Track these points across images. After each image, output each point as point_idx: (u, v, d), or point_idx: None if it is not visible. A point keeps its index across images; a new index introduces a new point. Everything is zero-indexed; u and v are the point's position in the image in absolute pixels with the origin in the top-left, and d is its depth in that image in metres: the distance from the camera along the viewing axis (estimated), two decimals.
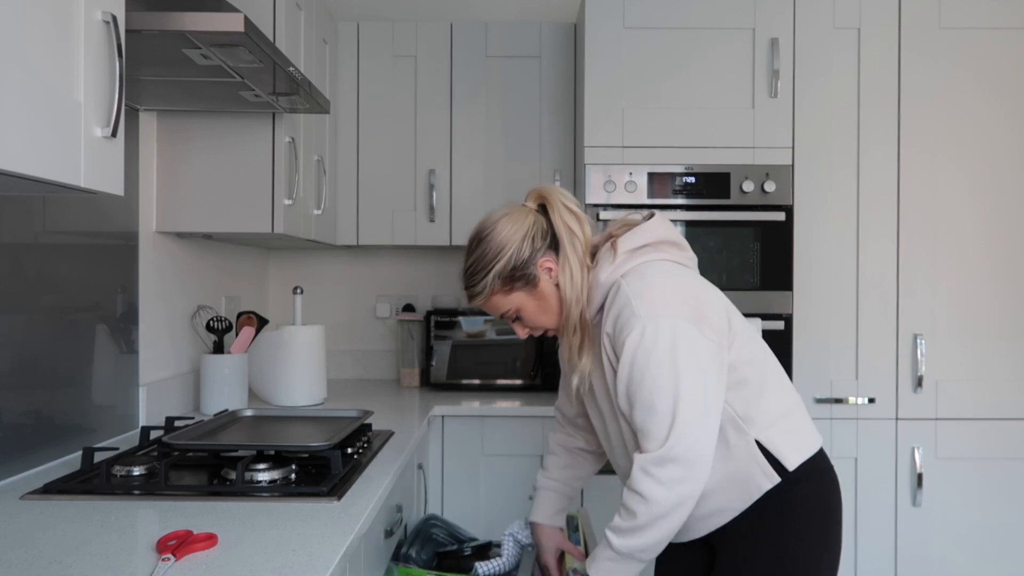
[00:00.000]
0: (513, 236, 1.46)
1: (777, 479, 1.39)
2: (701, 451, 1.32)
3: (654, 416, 1.32)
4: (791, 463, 1.40)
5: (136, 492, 1.45)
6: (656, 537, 1.34)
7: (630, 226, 1.49)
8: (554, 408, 1.77)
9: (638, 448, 1.37)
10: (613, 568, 1.37)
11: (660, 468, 1.31)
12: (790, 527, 1.41)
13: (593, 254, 1.49)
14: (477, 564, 1.73)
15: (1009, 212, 2.51)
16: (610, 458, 1.59)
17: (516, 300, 1.49)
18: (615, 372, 1.40)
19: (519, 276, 1.47)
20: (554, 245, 1.48)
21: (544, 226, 1.48)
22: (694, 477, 1.32)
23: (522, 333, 1.56)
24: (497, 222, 1.49)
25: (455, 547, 2.04)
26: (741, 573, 1.44)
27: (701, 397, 1.33)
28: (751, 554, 1.43)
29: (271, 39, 2.14)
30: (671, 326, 1.34)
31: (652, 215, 1.51)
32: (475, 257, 1.49)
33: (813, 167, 2.50)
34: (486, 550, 1.94)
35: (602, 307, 1.45)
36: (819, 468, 1.45)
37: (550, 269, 1.47)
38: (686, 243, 1.52)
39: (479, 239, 1.50)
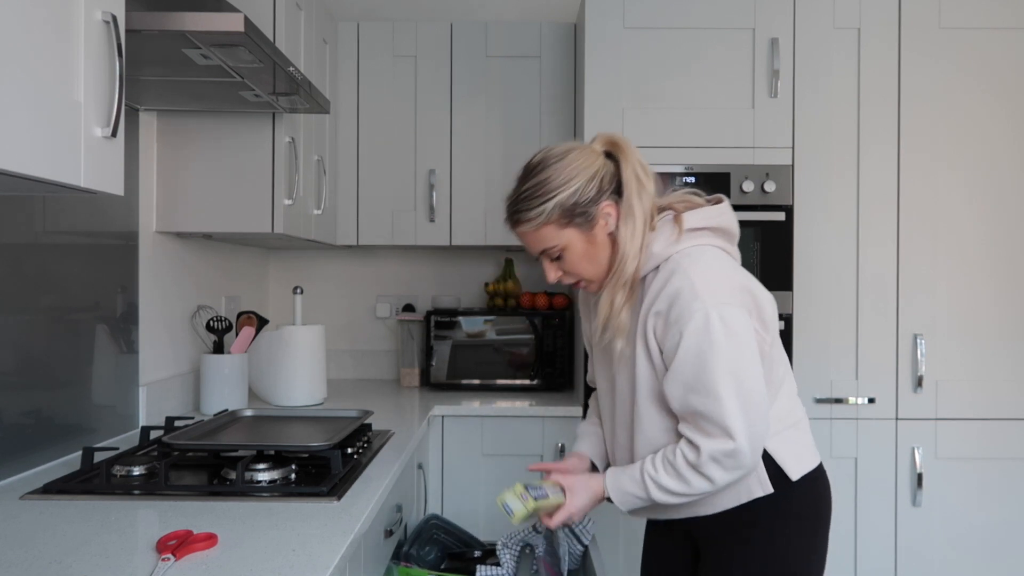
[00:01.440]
0: (583, 170, 1.39)
1: (770, 489, 1.40)
2: (762, 439, 1.34)
3: (719, 404, 1.30)
4: (793, 474, 1.41)
5: (136, 492, 1.45)
6: (687, 502, 1.39)
7: (691, 204, 1.45)
8: (588, 381, 1.75)
9: (696, 429, 1.34)
10: (629, 500, 1.41)
11: (731, 459, 1.32)
12: (781, 529, 1.42)
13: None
14: (479, 567, 1.73)
15: (1009, 212, 2.51)
16: (608, 432, 1.57)
17: (567, 238, 1.41)
18: (647, 347, 1.38)
19: (580, 213, 1.39)
20: (617, 195, 1.41)
21: (612, 172, 1.42)
22: (751, 464, 1.34)
23: (554, 275, 1.48)
24: (567, 153, 1.42)
25: (463, 549, 2.05)
26: (732, 571, 1.44)
27: (760, 387, 1.34)
28: (741, 552, 1.43)
29: (271, 39, 2.14)
30: (734, 315, 1.33)
31: (720, 199, 1.48)
32: (536, 182, 1.41)
33: (813, 167, 2.50)
34: (495, 554, 1.94)
35: (644, 277, 1.42)
36: (814, 474, 1.46)
37: (609, 215, 1.41)
38: (738, 235, 1.49)
39: (544, 165, 1.41)
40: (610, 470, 1.46)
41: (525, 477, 2.49)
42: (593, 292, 1.51)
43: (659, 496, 1.37)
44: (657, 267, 1.40)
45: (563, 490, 1.49)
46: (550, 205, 1.39)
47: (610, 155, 1.43)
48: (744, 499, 1.41)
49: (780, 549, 1.41)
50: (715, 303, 1.32)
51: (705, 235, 1.42)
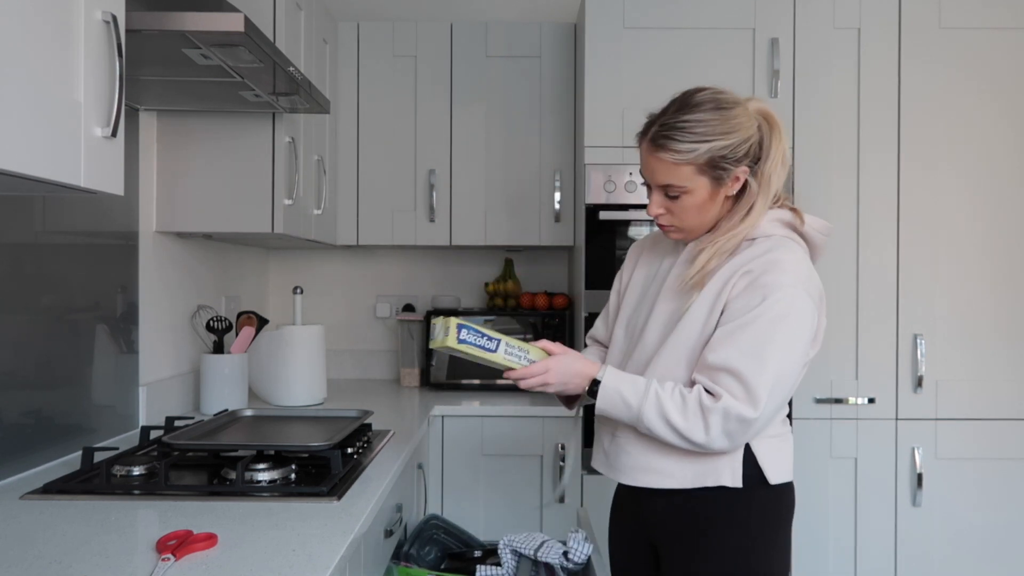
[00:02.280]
0: (744, 129, 1.38)
1: (739, 484, 1.41)
2: (767, 423, 1.37)
3: (762, 373, 1.32)
4: (771, 478, 1.42)
5: (136, 492, 1.45)
6: (665, 439, 1.37)
7: (798, 209, 1.47)
8: (587, 338, 1.75)
9: (721, 386, 1.34)
10: (615, 401, 1.39)
11: (740, 425, 1.33)
12: (741, 527, 1.42)
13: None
14: (479, 567, 1.73)
15: (1009, 212, 2.51)
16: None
17: (697, 184, 1.39)
18: (712, 304, 1.39)
19: (721, 167, 1.38)
20: (755, 164, 1.41)
21: (759, 141, 1.41)
22: (741, 442, 1.37)
23: (657, 210, 1.44)
24: (735, 104, 1.40)
25: (463, 549, 2.05)
26: (695, 569, 1.44)
27: (792, 384, 1.38)
28: (703, 549, 1.43)
29: (271, 39, 2.13)
30: (811, 308, 1.37)
31: (831, 226, 1.51)
32: (701, 118, 1.37)
33: (813, 167, 2.50)
34: (495, 554, 1.95)
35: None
36: (785, 486, 1.47)
37: (738, 180, 1.41)
38: (816, 261, 1.50)
39: (715, 105, 1.38)
40: (612, 367, 1.45)
41: (523, 478, 2.50)
42: (676, 239, 1.50)
43: (649, 415, 1.36)
44: (754, 239, 1.42)
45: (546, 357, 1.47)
46: (704, 147, 1.36)
47: (759, 127, 1.43)
48: (709, 482, 1.41)
49: (742, 547, 1.42)
50: (805, 289, 1.36)
51: (802, 242, 1.46)
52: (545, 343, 1.50)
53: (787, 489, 1.47)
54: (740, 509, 1.42)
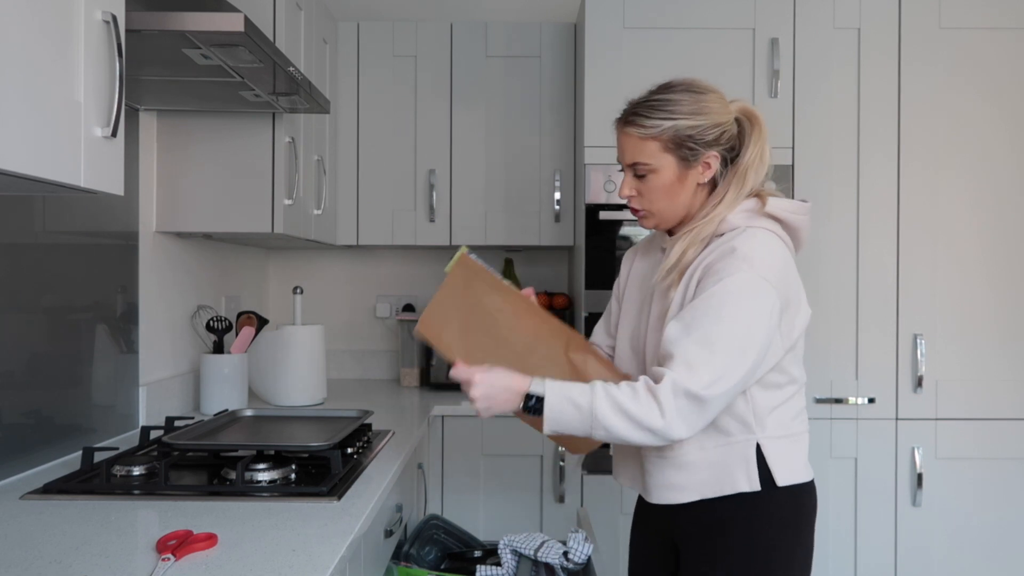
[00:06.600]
0: (714, 113, 1.40)
1: (757, 487, 1.40)
2: (719, 408, 1.33)
3: (711, 355, 1.30)
4: (780, 479, 1.41)
5: (136, 492, 1.45)
6: (623, 434, 1.31)
7: (775, 195, 1.46)
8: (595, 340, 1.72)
9: (668, 367, 1.32)
10: (562, 406, 1.33)
11: (691, 401, 1.29)
12: (761, 531, 1.41)
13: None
14: (479, 567, 1.74)
15: (1007, 211, 2.51)
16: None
17: (662, 163, 1.41)
18: (683, 299, 1.39)
19: (688, 147, 1.40)
20: (727, 157, 1.43)
21: (734, 134, 1.43)
22: (702, 423, 1.32)
23: (627, 191, 1.46)
24: (710, 91, 1.43)
25: (463, 549, 2.05)
26: (712, 571, 1.43)
27: (752, 366, 1.33)
28: (722, 552, 1.42)
29: (271, 39, 2.14)
30: (769, 293, 1.34)
31: (806, 201, 1.49)
32: (671, 97, 1.41)
33: (813, 167, 2.51)
34: (495, 554, 1.95)
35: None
36: (802, 487, 1.45)
37: (709, 166, 1.42)
38: (804, 243, 1.49)
39: (685, 88, 1.42)
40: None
41: (523, 478, 2.50)
42: (647, 227, 1.51)
43: (602, 408, 1.30)
44: (722, 234, 1.42)
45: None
46: (668, 124, 1.39)
47: (739, 122, 1.44)
48: (727, 491, 1.40)
49: (761, 551, 1.41)
50: (761, 275, 1.34)
51: (778, 226, 1.44)
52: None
53: (804, 490, 1.45)
54: (759, 512, 1.41)
